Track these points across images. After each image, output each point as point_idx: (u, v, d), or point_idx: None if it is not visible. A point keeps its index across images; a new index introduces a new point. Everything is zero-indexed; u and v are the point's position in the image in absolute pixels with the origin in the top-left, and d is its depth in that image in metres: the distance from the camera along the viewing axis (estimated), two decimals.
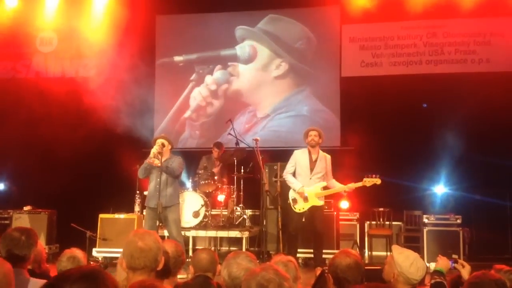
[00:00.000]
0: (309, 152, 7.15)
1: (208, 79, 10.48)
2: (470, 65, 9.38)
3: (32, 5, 10.38)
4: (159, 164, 6.63)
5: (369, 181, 6.92)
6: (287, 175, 7.24)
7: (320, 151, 7.20)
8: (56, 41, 10.82)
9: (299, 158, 7.19)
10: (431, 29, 9.57)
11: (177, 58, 10.65)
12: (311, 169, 7.08)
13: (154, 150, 6.62)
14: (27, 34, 10.49)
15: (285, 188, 7.43)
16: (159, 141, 6.76)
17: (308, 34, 10.14)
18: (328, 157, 7.23)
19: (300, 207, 7.06)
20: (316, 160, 7.10)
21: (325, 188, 7.13)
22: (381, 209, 8.90)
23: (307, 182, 7.07)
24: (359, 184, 6.96)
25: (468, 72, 9.27)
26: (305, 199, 7.03)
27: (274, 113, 10.18)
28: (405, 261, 3.11)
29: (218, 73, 10.46)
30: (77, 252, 3.64)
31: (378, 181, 6.90)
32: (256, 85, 10.30)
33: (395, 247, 3.30)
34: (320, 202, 7.02)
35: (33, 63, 10.86)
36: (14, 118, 9.82)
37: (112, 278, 1.64)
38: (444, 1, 9.31)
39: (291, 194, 7.19)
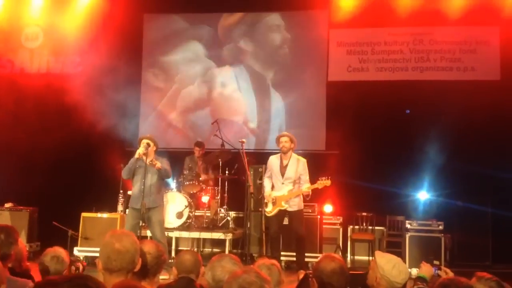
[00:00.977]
0: (281, 158, 7.21)
1: (202, 79, 10.41)
2: (455, 73, 9.46)
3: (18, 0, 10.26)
4: (159, 166, 6.65)
5: (320, 183, 6.96)
6: (264, 179, 7.46)
7: (294, 155, 7.23)
8: (41, 37, 10.70)
9: (272, 163, 7.30)
10: (417, 36, 9.63)
11: (164, 58, 10.59)
12: (282, 174, 7.14)
13: (140, 151, 6.59)
14: (12, 29, 10.38)
15: None
16: (144, 141, 6.72)
17: (291, 38, 10.17)
18: (302, 160, 7.21)
19: (269, 210, 7.20)
20: (286, 165, 7.16)
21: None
22: (364, 213, 8.92)
23: (280, 186, 7.16)
24: (314, 186, 7.01)
25: (453, 80, 9.34)
26: (274, 202, 7.13)
27: (264, 122, 10.19)
28: (387, 264, 3.13)
29: (214, 74, 10.38)
30: (60, 251, 3.60)
31: (328, 182, 6.95)
32: (250, 91, 10.26)
33: (377, 252, 3.32)
34: (284, 206, 7.05)
35: (18, 59, 10.73)
36: None
37: (101, 283, 1.63)
38: (431, 8, 9.38)
39: (265, 199, 7.34)
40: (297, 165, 7.14)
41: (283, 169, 7.15)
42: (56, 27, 10.30)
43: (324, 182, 6.94)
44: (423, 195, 8.95)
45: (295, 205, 7.08)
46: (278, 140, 7.27)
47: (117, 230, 2.73)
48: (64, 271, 3.53)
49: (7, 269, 3.26)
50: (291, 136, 7.26)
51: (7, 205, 8.75)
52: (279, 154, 7.28)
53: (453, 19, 9.29)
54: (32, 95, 9.69)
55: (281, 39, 10.22)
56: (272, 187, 7.25)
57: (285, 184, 7.12)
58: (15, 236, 3.45)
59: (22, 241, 4.40)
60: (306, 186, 7.05)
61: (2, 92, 9.80)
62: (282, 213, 7.12)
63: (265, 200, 7.30)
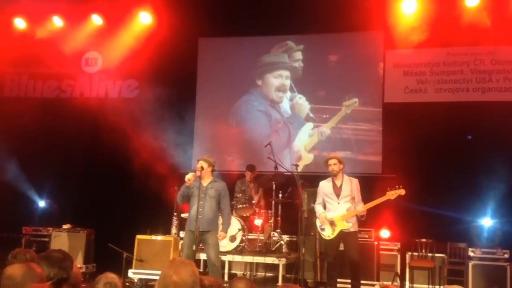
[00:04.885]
0: (332, 180, 7.03)
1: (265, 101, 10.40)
2: None
3: (78, 26, 10.56)
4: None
5: (392, 194, 6.64)
6: (315, 205, 7.20)
7: (345, 176, 7.05)
8: (100, 62, 11.00)
9: (324, 187, 7.09)
10: (478, 56, 9.30)
11: (219, 81, 10.64)
12: (337, 195, 6.93)
13: (189, 176, 6.55)
14: (73, 54, 10.69)
15: None
16: (200, 163, 6.70)
17: (345, 59, 10.06)
18: (355, 180, 7.04)
19: (328, 233, 6.92)
20: (341, 185, 6.96)
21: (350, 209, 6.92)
22: (424, 240, 8.56)
23: (336, 207, 6.92)
24: (383, 198, 6.71)
25: None
26: (332, 224, 6.88)
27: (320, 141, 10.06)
28: None
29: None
30: (114, 277, 3.58)
31: (402, 191, 6.62)
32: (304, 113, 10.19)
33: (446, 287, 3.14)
34: (348, 225, 6.81)
35: (78, 83, 11.05)
36: (56, 136, 9.99)
37: None
38: (492, 27, 9.00)
39: (318, 223, 7.11)
40: (351, 184, 6.95)
41: (337, 190, 6.95)
42: (114, 52, 10.53)
43: (397, 191, 6.61)
44: (487, 222, 8.52)
45: (352, 225, 6.88)
46: (326, 163, 7.07)
47: (175, 260, 2.67)
48: None
49: None
50: (338, 157, 7.07)
51: (65, 226, 8.95)
52: (329, 178, 7.09)
53: None
54: (90, 119, 9.92)
55: (334, 60, 10.10)
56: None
57: (342, 203, 6.91)
58: (71, 261, 3.45)
59: (77, 264, 4.41)
60: (375, 201, 6.74)
61: (62, 116, 10.11)
62: (345, 236, 6.88)
63: (320, 225, 7.06)
